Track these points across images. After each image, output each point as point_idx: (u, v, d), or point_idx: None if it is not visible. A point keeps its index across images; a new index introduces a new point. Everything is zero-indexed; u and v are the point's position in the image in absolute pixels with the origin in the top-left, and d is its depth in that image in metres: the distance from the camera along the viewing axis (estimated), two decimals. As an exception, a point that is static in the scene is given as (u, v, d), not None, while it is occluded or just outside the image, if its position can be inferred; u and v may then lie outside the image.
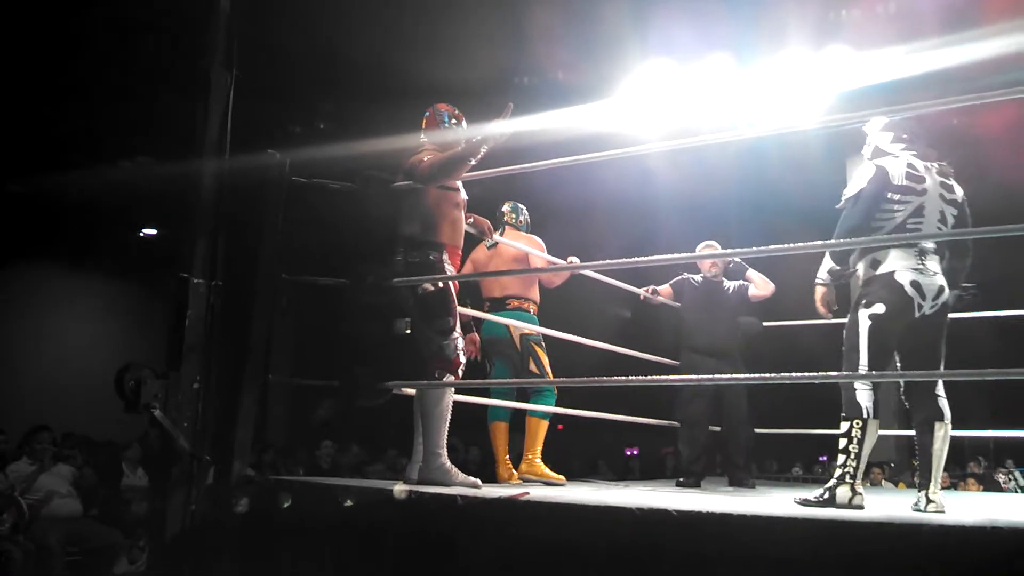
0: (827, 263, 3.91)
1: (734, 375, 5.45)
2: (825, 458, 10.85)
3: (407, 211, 4.11)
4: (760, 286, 5.97)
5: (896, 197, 3.75)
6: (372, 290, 4.02)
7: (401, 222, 4.12)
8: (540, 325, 5.32)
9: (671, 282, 6.16)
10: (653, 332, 7.41)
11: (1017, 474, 9.37)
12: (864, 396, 3.65)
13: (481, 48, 7.80)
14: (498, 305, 5.29)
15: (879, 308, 3.68)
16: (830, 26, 8.17)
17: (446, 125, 4.32)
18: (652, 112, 8.28)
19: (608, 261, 3.85)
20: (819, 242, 3.63)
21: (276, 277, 4.17)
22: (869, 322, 3.69)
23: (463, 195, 4.24)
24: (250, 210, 4.20)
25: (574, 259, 5.40)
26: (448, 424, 3.99)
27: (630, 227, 10.95)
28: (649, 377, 3.83)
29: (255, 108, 4.45)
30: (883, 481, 9.02)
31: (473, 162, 3.96)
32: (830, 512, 3.11)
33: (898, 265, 3.72)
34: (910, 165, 3.81)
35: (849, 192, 3.82)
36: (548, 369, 5.25)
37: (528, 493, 3.38)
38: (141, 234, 13.89)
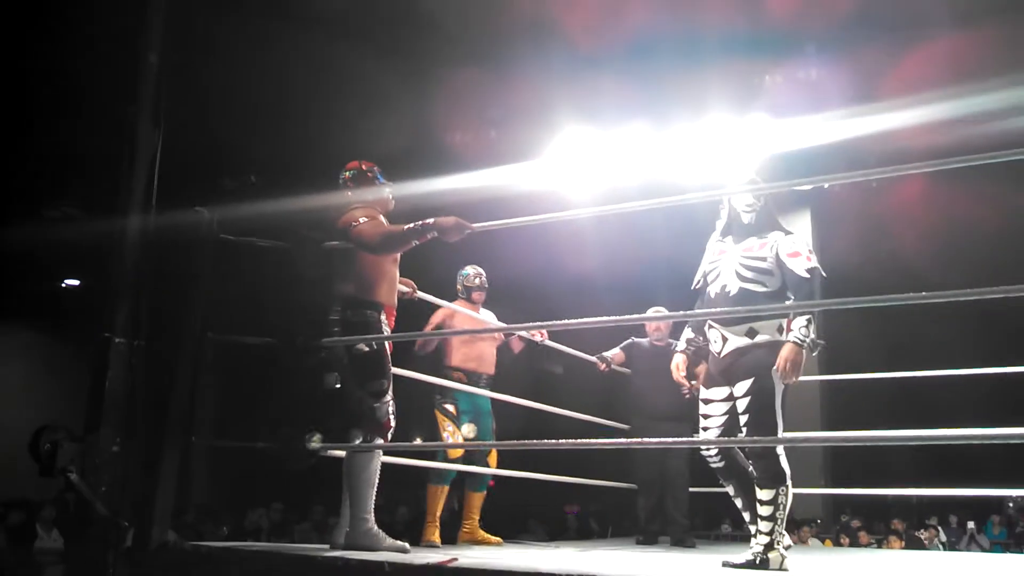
0: (687, 333, 3.99)
1: (656, 439, 5.56)
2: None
3: (342, 269, 4.07)
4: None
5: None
6: (302, 350, 3.96)
7: (336, 280, 4.08)
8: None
9: (621, 346, 6.25)
10: (585, 391, 7.46)
11: (941, 531, 9.54)
12: (784, 462, 3.71)
13: (411, 109, 7.87)
14: (474, 379, 5.51)
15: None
16: (752, 93, 8.42)
17: (380, 182, 4.32)
18: (578, 176, 8.42)
19: (556, 322, 3.86)
20: (747, 308, 3.68)
21: (201, 336, 4.08)
22: (783, 386, 3.75)
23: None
24: (176, 267, 4.12)
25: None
26: (375, 488, 3.93)
27: (560, 290, 11.04)
28: (585, 441, 3.82)
29: (182, 162, 4.39)
30: (810, 539, 9.11)
31: (416, 243, 3.94)
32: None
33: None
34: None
35: (812, 264, 3.87)
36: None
37: (456, 559, 3.33)
38: (63, 284, 13.55)
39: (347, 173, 4.34)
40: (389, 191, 4.34)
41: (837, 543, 8.80)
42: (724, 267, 3.93)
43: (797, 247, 3.90)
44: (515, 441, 3.86)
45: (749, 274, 3.87)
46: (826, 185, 10.45)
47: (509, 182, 7.89)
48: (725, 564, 3.65)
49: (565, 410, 6.06)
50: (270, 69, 7.48)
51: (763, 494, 3.69)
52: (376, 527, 3.88)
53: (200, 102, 6.48)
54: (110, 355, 3.70)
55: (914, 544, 8.85)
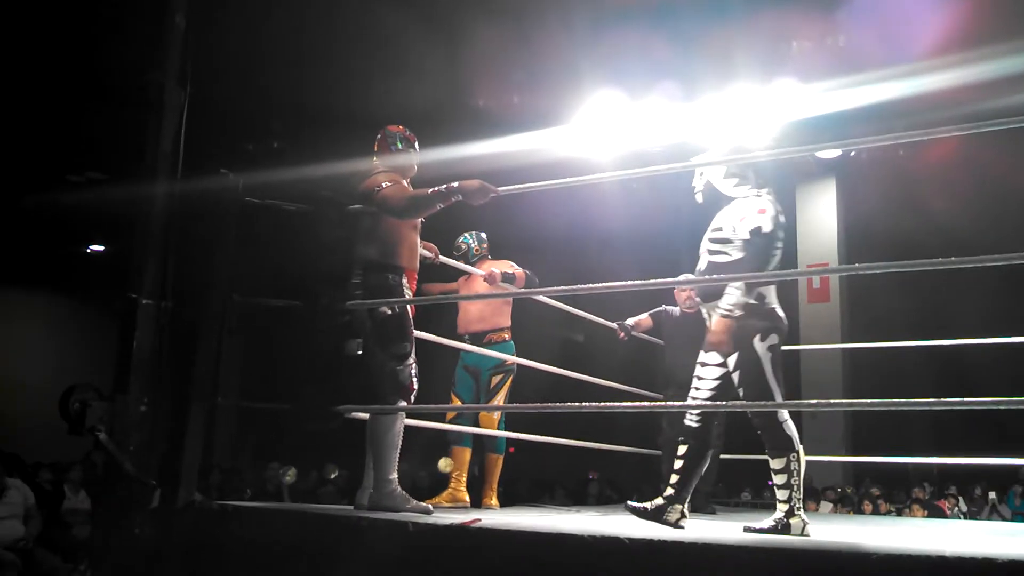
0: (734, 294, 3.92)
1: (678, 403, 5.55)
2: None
3: (365, 234, 4.08)
4: None
5: (781, 235, 3.92)
6: (325, 312, 3.98)
7: (359, 244, 4.09)
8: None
9: (650, 312, 6.18)
10: (607, 358, 7.48)
11: (962, 500, 9.51)
12: (791, 429, 3.72)
13: (437, 71, 7.83)
14: (477, 340, 5.48)
15: (774, 339, 3.79)
16: (779, 59, 8.33)
17: (398, 147, 4.30)
18: (604, 140, 8.37)
19: (575, 287, 3.86)
20: (786, 271, 3.67)
21: (227, 298, 4.12)
22: (770, 354, 3.76)
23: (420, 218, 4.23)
24: (202, 230, 4.14)
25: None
26: (399, 450, 3.96)
27: (580, 256, 11.01)
28: (610, 404, 3.84)
29: (209, 126, 4.40)
30: (824, 504, 9.12)
31: (440, 207, 3.94)
32: (789, 540, 3.14)
33: (775, 301, 3.86)
34: (777, 209, 3.93)
35: (752, 224, 3.84)
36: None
37: (480, 520, 3.36)
38: (88, 250, 13.66)
39: (379, 137, 4.33)
40: (415, 158, 4.33)
41: (859, 511, 8.80)
42: (701, 246, 3.97)
43: (744, 211, 3.89)
44: (528, 404, 3.87)
45: (713, 247, 3.90)
46: (852, 152, 10.38)
47: (537, 147, 7.85)
48: (746, 529, 3.67)
49: (594, 377, 6.06)
50: (294, 29, 7.46)
51: (775, 463, 3.72)
52: (400, 488, 3.91)
53: (225, 65, 6.47)
54: (138, 317, 3.74)
55: (935, 513, 8.83)
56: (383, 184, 4.02)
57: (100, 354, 6.51)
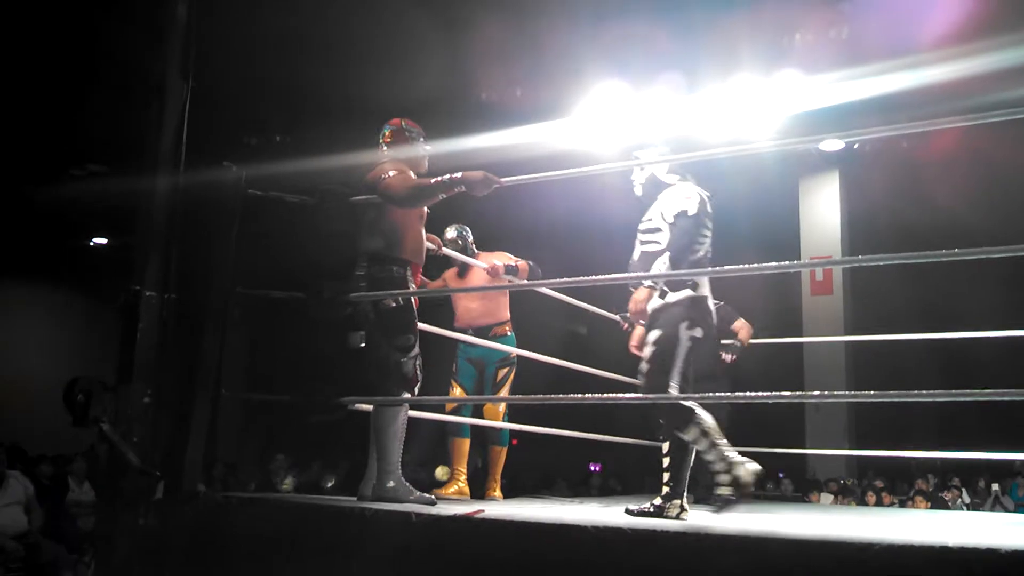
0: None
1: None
2: (782, 474, 10.97)
3: (369, 225, 4.08)
4: (744, 333, 6.04)
5: (709, 224, 3.92)
6: (329, 304, 3.98)
7: (363, 236, 4.09)
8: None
9: None
10: (610, 350, 7.46)
11: (965, 492, 9.52)
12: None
13: (440, 64, 7.82)
14: (482, 334, 5.51)
15: (698, 332, 3.79)
16: (782, 51, 8.31)
17: (412, 140, 4.31)
18: (607, 132, 8.36)
19: (577, 278, 3.87)
20: (789, 263, 3.67)
21: (230, 291, 4.11)
22: (690, 344, 3.76)
23: (425, 208, 4.22)
24: (205, 222, 4.14)
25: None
26: (402, 442, 3.97)
27: (579, 247, 11.00)
28: (611, 396, 3.84)
29: (211, 119, 4.40)
30: (820, 496, 9.12)
31: (443, 197, 3.94)
32: (795, 531, 3.13)
33: (708, 292, 3.86)
34: (703, 195, 3.94)
35: (677, 208, 3.85)
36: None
37: (483, 511, 3.37)
38: (91, 243, 13.67)
39: (388, 129, 4.33)
40: (424, 151, 4.33)
41: (862, 502, 8.80)
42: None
43: (671, 197, 3.93)
44: (532, 396, 3.87)
45: (644, 236, 3.94)
46: (855, 144, 10.35)
47: (539, 139, 7.84)
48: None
49: (595, 369, 6.07)
50: (297, 21, 7.44)
51: (664, 446, 3.79)
52: (403, 480, 3.92)
53: (228, 57, 6.46)
54: (141, 308, 3.74)
55: (938, 504, 8.84)
56: (388, 173, 4.02)
57: (103, 346, 6.51)
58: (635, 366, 3.90)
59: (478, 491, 5.57)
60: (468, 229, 5.71)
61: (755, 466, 3.57)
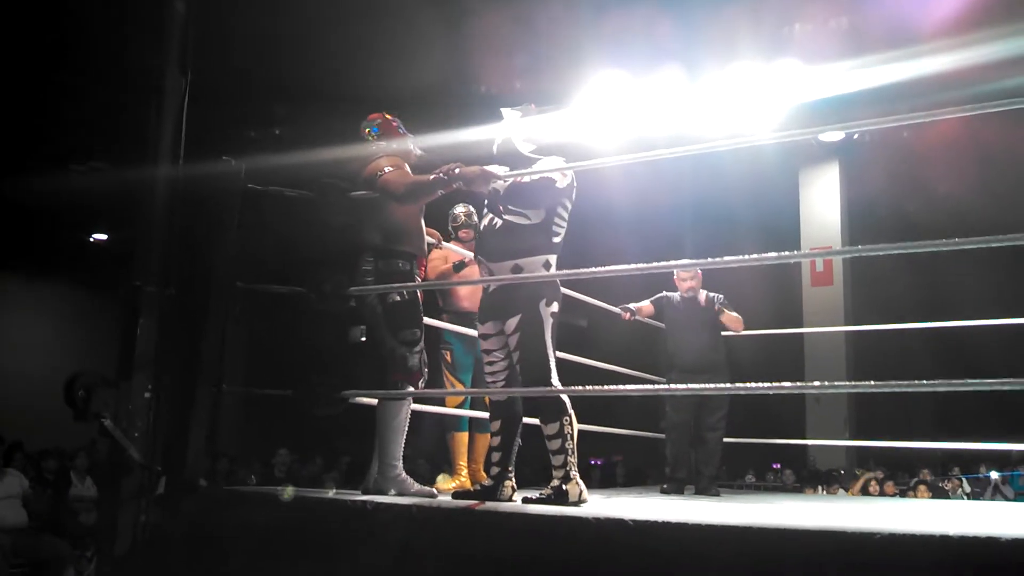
0: None
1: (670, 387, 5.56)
2: (778, 466, 10.99)
3: (372, 219, 4.07)
4: (734, 326, 6.02)
5: (569, 207, 3.89)
6: (330, 298, 3.98)
7: (365, 230, 4.09)
8: None
9: (652, 299, 6.20)
10: (609, 342, 7.49)
11: (965, 482, 9.53)
12: (564, 396, 3.72)
13: (437, 56, 7.81)
14: (468, 321, 5.32)
15: (556, 307, 3.80)
16: (782, 40, 8.29)
17: (402, 132, 4.31)
18: (607, 123, 8.33)
19: (577, 271, 3.86)
20: (788, 253, 3.65)
21: (230, 285, 4.12)
22: (552, 320, 3.78)
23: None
24: (205, 217, 4.14)
25: None
26: (404, 436, 3.97)
27: (582, 238, 10.99)
28: (612, 388, 3.84)
29: (210, 112, 4.40)
30: (838, 490, 9.14)
31: (441, 193, 3.93)
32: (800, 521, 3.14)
33: (555, 268, 3.86)
34: (570, 174, 3.89)
35: (547, 183, 3.81)
36: None
37: (484, 503, 3.37)
38: (91, 239, 13.66)
39: (370, 124, 4.32)
40: (412, 142, 4.32)
41: (865, 492, 8.81)
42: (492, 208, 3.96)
43: (540, 170, 3.87)
44: (531, 388, 3.86)
45: (512, 207, 3.85)
46: (855, 135, 10.34)
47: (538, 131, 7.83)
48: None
49: (596, 361, 6.06)
50: (295, 14, 7.43)
51: (548, 428, 3.72)
52: (404, 473, 3.93)
53: (226, 51, 6.45)
54: (141, 303, 3.74)
55: (938, 494, 8.85)
56: (385, 169, 4.03)
57: (104, 342, 6.52)
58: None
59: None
60: (470, 212, 5.67)
61: (582, 487, 3.64)
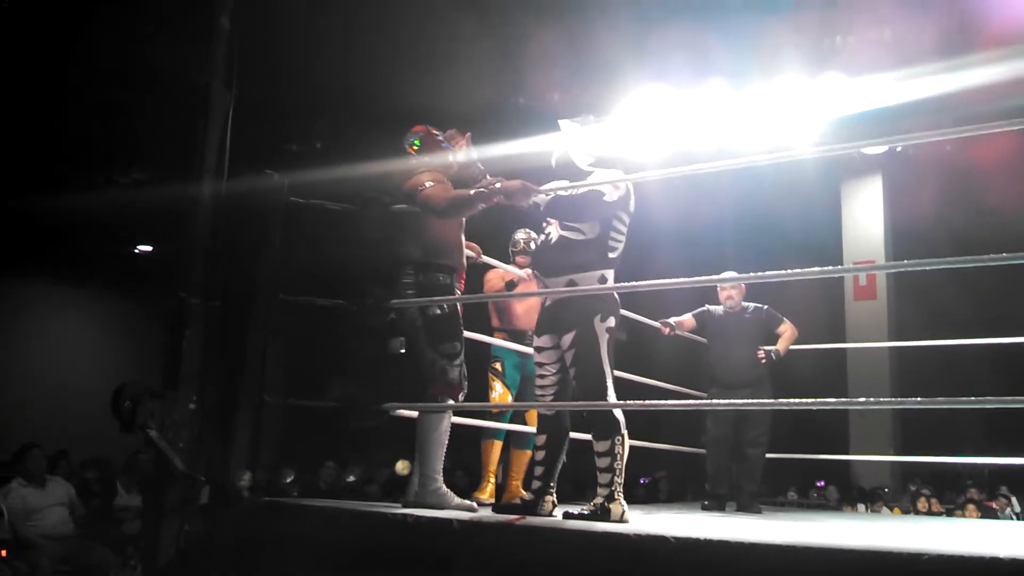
0: None
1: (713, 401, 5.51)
2: (823, 483, 10.83)
3: (412, 233, 4.09)
4: (789, 339, 5.95)
5: (626, 220, 3.86)
6: (371, 311, 4.00)
7: (406, 244, 4.11)
8: None
9: (693, 313, 6.15)
10: (650, 356, 7.45)
11: (1015, 501, 9.33)
12: (618, 412, 3.67)
13: (478, 70, 7.84)
14: (520, 338, 5.44)
15: (612, 322, 3.76)
16: (825, 53, 8.23)
17: (445, 147, 4.31)
18: (648, 136, 8.31)
19: (619, 284, 3.84)
20: (831, 268, 3.61)
21: (273, 297, 4.16)
22: (607, 335, 3.74)
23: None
24: (248, 230, 4.19)
25: None
26: (444, 448, 3.97)
27: (625, 255, 10.95)
28: (652, 402, 3.83)
29: (254, 127, 4.46)
30: (883, 508, 9.00)
31: (482, 208, 3.95)
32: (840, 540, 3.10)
33: (612, 283, 3.82)
34: (627, 186, 3.86)
35: (600, 194, 3.79)
36: None
37: (524, 517, 3.37)
38: (136, 250, 13.85)
39: (413, 137, 4.34)
40: (453, 156, 4.33)
41: (912, 511, 8.67)
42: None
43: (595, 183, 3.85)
44: (573, 403, 3.85)
45: (568, 223, 3.85)
46: (898, 148, 10.22)
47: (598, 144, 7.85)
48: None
49: (639, 376, 6.04)
50: (338, 30, 7.50)
51: (599, 445, 3.67)
52: (444, 486, 3.93)
53: (270, 66, 6.53)
54: (186, 315, 3.79)
55: (986, 514, 8.68)
56: (426, 184, 4.04)
57: (148, 353, 6.60)
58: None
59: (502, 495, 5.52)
60: (532, 239, 5.68)
61: (625, 507, 3.60)
